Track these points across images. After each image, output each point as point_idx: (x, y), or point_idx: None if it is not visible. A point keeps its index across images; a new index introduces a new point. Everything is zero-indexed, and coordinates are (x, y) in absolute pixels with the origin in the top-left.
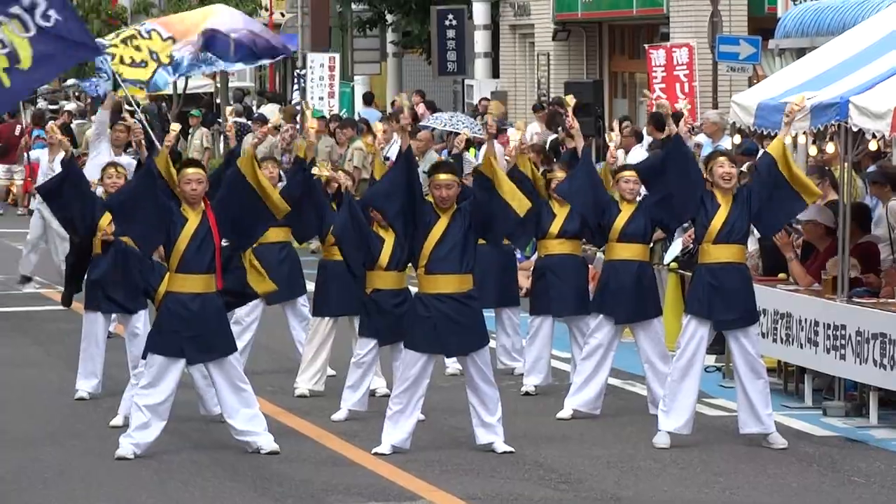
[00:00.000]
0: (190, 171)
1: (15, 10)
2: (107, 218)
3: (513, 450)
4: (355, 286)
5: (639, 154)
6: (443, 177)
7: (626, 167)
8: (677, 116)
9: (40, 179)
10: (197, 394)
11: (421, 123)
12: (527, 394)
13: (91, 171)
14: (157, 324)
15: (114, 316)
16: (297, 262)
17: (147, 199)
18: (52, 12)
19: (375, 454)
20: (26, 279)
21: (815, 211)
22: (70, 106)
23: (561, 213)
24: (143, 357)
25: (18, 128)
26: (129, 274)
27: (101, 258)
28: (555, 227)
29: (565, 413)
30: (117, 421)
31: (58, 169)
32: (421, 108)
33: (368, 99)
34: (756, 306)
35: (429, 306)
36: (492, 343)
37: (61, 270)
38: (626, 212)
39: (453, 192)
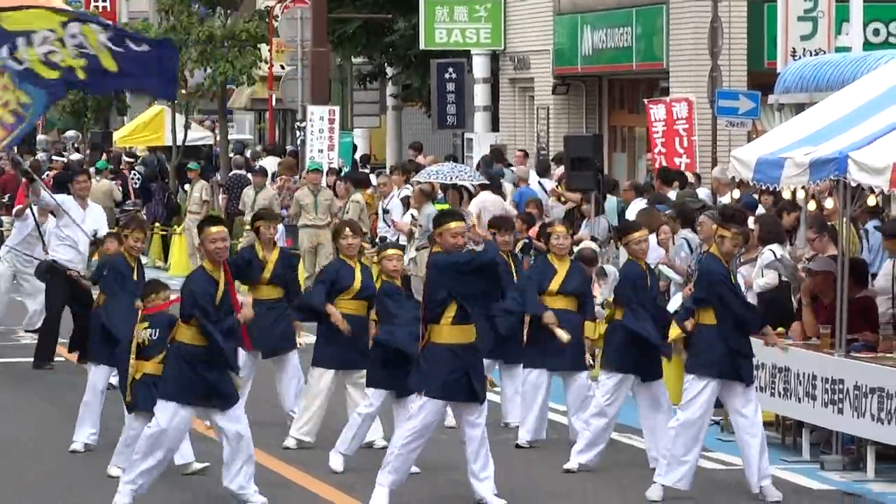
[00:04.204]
0: (214, 229)
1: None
2: None
3: (506, 502)
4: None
5: (640, 205)
6: (454, 225)
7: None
8: None
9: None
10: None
11: (420, 176)
12: (518, 446)
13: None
14: (169, 374)
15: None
16: (289, 318)
17: None
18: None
19: None
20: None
21: (826, 262)
22: (74, 157)
23: (561, 269)
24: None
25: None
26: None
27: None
28: (555, 285)
29: (572, 465)
30: (115, 471)
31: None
32: (423, 161)
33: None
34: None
35: (458, 356)
36: (496, 397)
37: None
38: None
39: (466, 240)
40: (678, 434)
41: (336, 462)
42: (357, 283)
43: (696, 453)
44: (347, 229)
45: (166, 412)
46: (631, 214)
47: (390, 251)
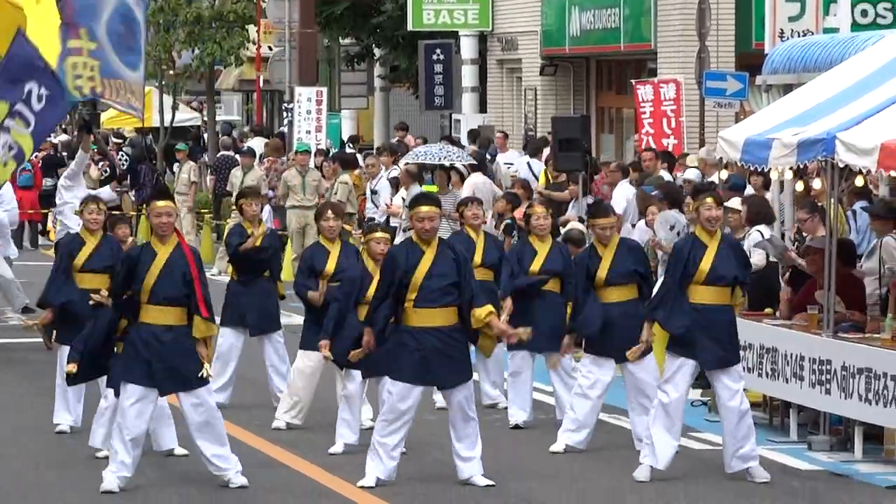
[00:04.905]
0: (160, 204)
1: (18, 106)
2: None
3: (493, 483)
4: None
5: (625, 189)
6: (424, 209)
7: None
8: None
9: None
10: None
11: (409, 157)
12: (516, 426)
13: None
14: (126, 354)
15: None
16: (276, 297)
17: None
18: (42, 90)
19: (360, 487)
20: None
21: (824, 241)
22: (61, 138)
23: (542, 250)
24: (109, 386)
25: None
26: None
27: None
28: (536, 265)
29: (558, 447)
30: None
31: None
32: (410, 141)
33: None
34: (738, 347)
35: (419, 340)
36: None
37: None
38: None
39: (436, 224)
40: (656, 415)
41: (334, 448)
42: (330, 266)
43: (674, 434)
44: (329, 211)
45: (123, 392)
46: (617, 195)
47: (378, 234)
